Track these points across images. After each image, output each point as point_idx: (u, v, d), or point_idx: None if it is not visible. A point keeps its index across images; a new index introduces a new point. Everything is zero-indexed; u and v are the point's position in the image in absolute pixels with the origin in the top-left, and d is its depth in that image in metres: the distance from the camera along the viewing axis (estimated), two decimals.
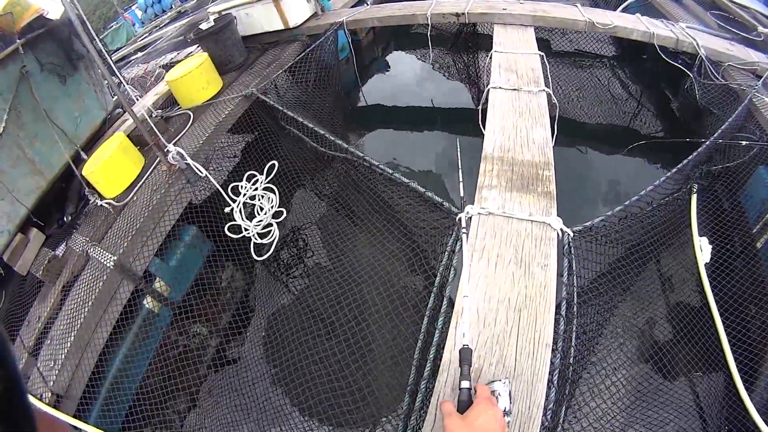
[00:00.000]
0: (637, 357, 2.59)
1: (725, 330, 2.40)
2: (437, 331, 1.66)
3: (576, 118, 3.97)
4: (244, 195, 2.94)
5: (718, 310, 2.51)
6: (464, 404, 1.31)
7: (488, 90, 2.64)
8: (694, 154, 2.73)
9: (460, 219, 1.86)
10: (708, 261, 2.79)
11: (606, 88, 4.10)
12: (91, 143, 3.53)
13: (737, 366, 2.24)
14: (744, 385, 2.14)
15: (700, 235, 2.88)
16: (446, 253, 1.79)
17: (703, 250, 2.83)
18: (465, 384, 1.36)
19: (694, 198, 3.02)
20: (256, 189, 2.98)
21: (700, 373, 2.58)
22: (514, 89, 2.64)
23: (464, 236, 1.80)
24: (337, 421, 2.04)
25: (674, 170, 2.59)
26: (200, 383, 2.67)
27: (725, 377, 2.34)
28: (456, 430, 1.10)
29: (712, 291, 2.62)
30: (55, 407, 2.31)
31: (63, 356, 2.41)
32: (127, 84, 3.22)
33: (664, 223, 2.87)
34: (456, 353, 1.63)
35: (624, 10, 3.99)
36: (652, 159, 3.66)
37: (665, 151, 3.57)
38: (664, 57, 3.59)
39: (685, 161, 2.65)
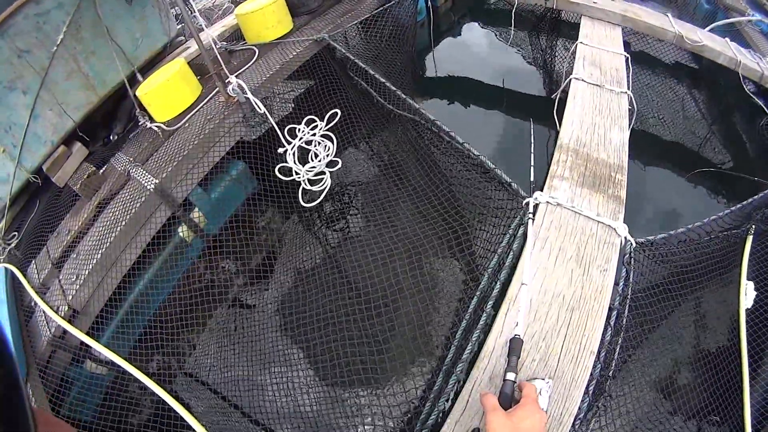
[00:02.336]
0: (662, 385, 2.51)
1: (750, 381, 2.33)
2: (484, 315, 1.56)
3: (645, 128, 3.79)
4: (301, 139, 2.83)
5: (748, 360, 2.43)
6: (506, 397, 1.23)
7: (570, 80, 2.50)
8: (759, 195, 2.61)
9: (527, 203, 1.74)
10: (750, 307, 2.68)
11: (679, 104, 3.90)
12: (149, 66, 3.47)
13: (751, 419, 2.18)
14: None
15: (748, 279, 2.75)
16: (507, 236, 1.68)
17: (748, 294, 2.71)
18: (510, 376, 1.28)
19: (749, 239, 2.87)
20: (314, 135, 2.87)
21: (717, 418, 2.49)
22: (597, 85, 2.49)
23: (530, 222, 1.69)
24: (352, 385, 1.97)
25: (738, 206, 2.48)
26: (218, 319, 2.63)
27: (738, 428, 2.26)
28: (500, 429, 1.04)
29: (747, 338, 2.53)
30: (69, 321, 2.28)
31: (87, 272, 2.38)
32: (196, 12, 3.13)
33: (715, 257, 2.75)
34: (501, 341, 1.54)
35: (711, 31, 3.79)
36: (714, 189, 3.49)
37: (728, 184, 3.40)
38: (745, 88, 3.41)
39: (749, 200, 2.53)
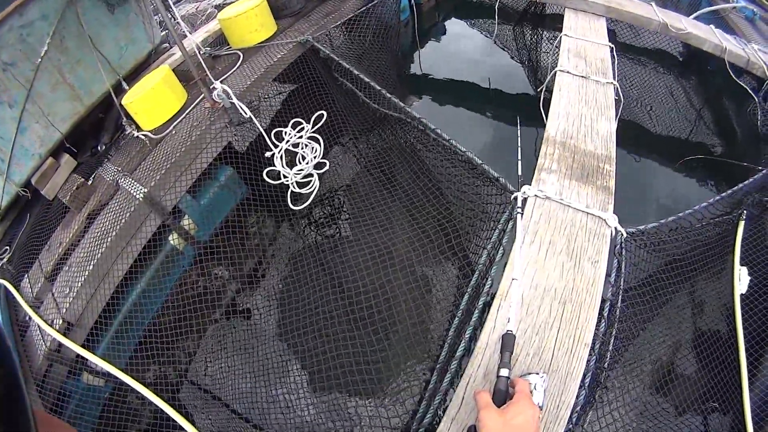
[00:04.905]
0: (659, 375, 2.51)
1: (747, 366, 2.34)
2: (476, 311, 1.56)
3: (632, 118, 3.81)
4: (288, 141, 2.82)
5: (745, 345, 2.44)
6: (500, 393, 1.22)
7: (555, 72, 2.50)
8: (750, 180, 2.61)
9: (515, 198, 1.74)
10: (744, 292, 2.68)
11: (666, 93, 3.92)
12: (134, 75, 3.46)
13: (751, 403, 2.18)
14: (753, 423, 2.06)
15: (741, 265, 2.76)
16: (496, 231, 1.68)
17: (742, 280, 2.72)
18: (504, 372, 1.27)
19: (741, 225, 2.88)
20: (301, 137, 2.86)
21: (716, 404, 2.50)
22: (582, 76, 2.50)
23: (518, 216, 1.69)
24: (348, 387, 1.96)
25: (729, 192, 2.48)
26: (214, 326, 2.62)
27: (738, 412, 2.26)
28: (493, 427, 1.03)
29: (743, 324, 2.54)
30: (64, 335, 2.27)
31: (79, 284, 2.37)
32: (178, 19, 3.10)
33: (708, 244, 2.75)
34: (494, 337, 1.54)
35: (696, 19, 3.81)
36: (704, 176, 3.51)
37: (718, 171, 3.42)
38: (732, 74, 3.42)
39: (739, 185, 2.53)
